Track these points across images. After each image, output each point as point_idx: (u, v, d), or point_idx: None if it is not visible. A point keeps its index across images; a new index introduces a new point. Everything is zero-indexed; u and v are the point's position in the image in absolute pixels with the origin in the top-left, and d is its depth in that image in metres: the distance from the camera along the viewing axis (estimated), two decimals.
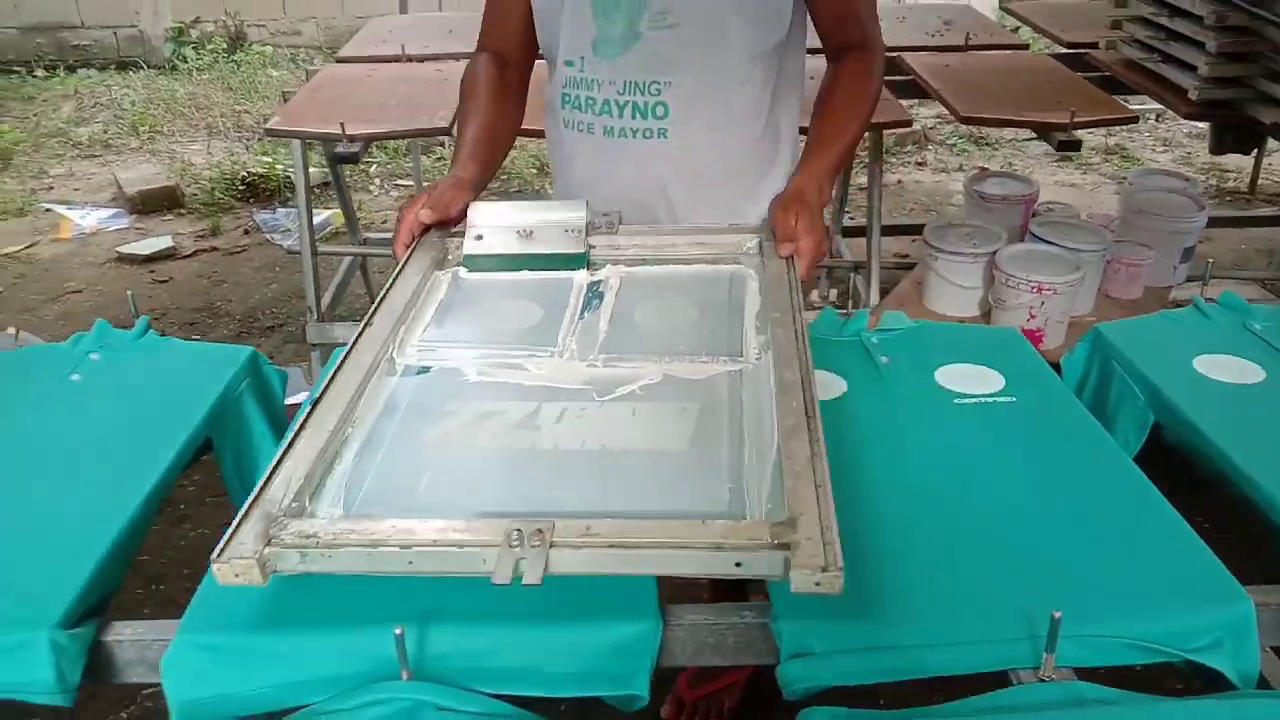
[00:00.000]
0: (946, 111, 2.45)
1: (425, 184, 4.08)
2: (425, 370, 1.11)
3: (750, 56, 1.37)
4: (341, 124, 2.13)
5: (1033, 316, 2.37)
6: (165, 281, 3.80)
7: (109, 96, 5.86)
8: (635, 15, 1.33)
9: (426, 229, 1.31)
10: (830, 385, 1.27)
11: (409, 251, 1.29)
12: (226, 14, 6.60)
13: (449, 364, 1.12)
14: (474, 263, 1.31)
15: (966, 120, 2.28)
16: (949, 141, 5.09)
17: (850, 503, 1.04)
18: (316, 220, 4.12)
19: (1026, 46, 2.94)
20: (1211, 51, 2.24)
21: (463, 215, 1.33)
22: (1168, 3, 2.38)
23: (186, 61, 6.36)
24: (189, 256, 4.00)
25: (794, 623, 0.89)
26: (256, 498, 0.84)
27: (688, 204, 1.46)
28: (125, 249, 4.00)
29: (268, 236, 4.12)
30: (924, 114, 5.11)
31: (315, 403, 0.97)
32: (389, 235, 3.61)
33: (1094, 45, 2.80)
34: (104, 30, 6.58)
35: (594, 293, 1.26)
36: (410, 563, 0.80)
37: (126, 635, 0.94)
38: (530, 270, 1.30)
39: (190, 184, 4.59)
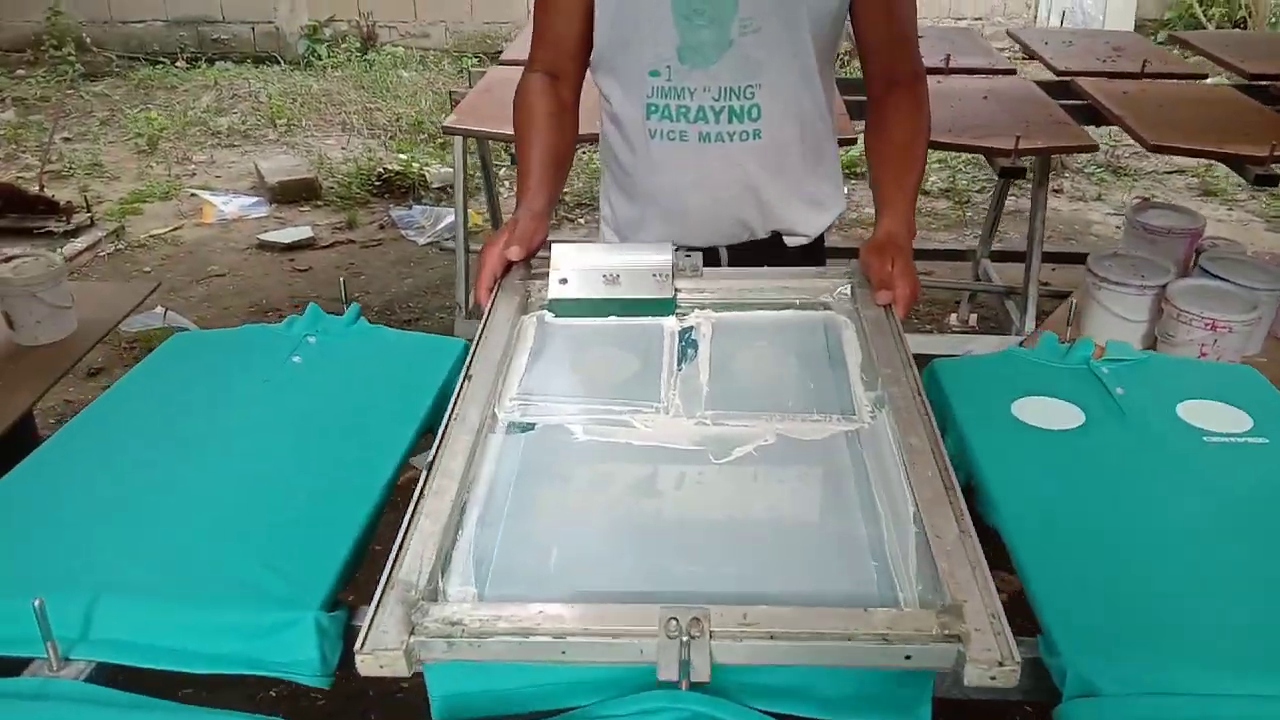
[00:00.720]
0: None
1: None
2: (530, 427, 1.08)
3: (818, 56, 1.40)
4: None
5: (1204, 354, 2.27)
6: (305, 270, 3.89)
7: (247, 89, 6.07)
8: (726, 22, 1.33)
9: (508, 267, 1.32)
10: (1066, 415, 1.22)
11: (493, 295, 1.29)
12: (360, 14, 6.78)
13: (553, 420, 1.10)
14: (560, 307, 1.29)
15: (1156, 149, 2.20)
16: (1085, 169, 4.95)
17: (1109, 538, 1.00)
18: (449, 218, 4.20)
19: (1205, 76, 2.83)
20: None
21: (543, 246, 1.35)
22: None
23: (320, 59, 6.55)
24: (327, 247, 4.09)
25: (1083, 660, 0.85)
26: (389, 578, 0.83)
27: (776, 199, 1.46)
28: (266, 236, 4.12)
29: (402, 232, 4.19)
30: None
31: (430, 468, 0.97)
32: None
33: (1278, 77, 2.68)
34: (243, 25, 6.81)
35: (687, 341, 1.24)
36: (563, 652, 0.79)
37: None
38: (617, 316, 1.29)
39: (327, 177, 4.70)
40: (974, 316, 3.59)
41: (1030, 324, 2.71)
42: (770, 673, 0.84)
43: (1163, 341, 2.32)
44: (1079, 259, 3.27)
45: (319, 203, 4.51)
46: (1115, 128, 2.47)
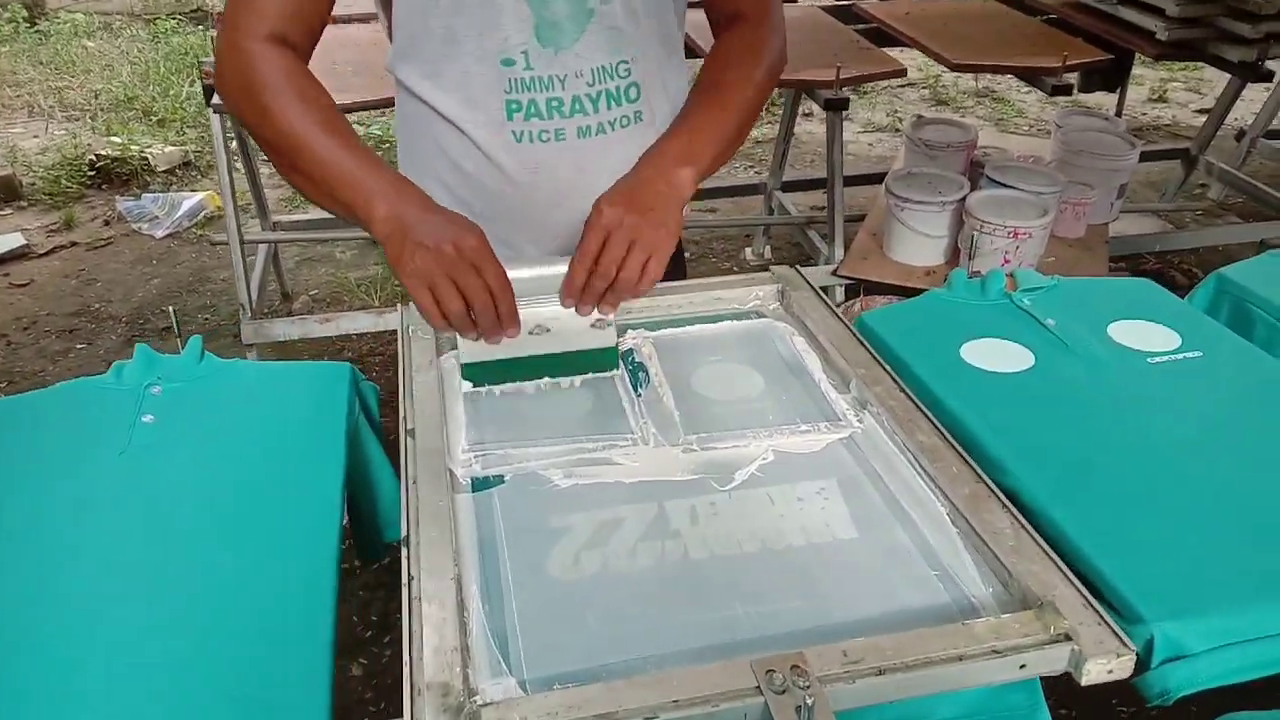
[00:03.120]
0: None
1: None
2: (499, 480, 0.94)
3: (676, 14, 1.21)
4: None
5: (1007, 261, 2.38)
6: (24, 285, 3.32)
7: None
8: None
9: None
10: (1016, 356, 1.19)
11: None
12: None
13: (522, 468, 0.95)
14: (477, 374, 1.06)
15: (959, 68, 2.25)
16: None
17: (1132, 484, 0.97)
18: (188, 204, 3.72)
19: None
20: None
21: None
22: None
23: None
24: (46, 255, 3.51)
25: (1170, 623, 0.81)
26: (414, 684, 0.70)
27: None
28: None
29: (134, 226, 3.67)
30: None
31: (406, 543, 0.82)
32: (297, 219, 3.35)
33: None
34: None
35: (633, 364, 1.13)
36: None
37: None
38: (551, 377, 1.08)
39: (26, 172, 4.04)
40: (768, 249, 3.65)
41: (839, 251, 2.75)
42: (881, 709, 0.75)
43: (966, 253, 2.42)
44: (867, 181, 3.39)
45: (22, 203, 3.86)
46: None
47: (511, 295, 0.99)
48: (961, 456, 0.94)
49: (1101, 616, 0.75)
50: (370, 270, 3.47)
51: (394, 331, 2.84)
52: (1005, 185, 2.49)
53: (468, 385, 1.06)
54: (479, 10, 1.07)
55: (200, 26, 5.88)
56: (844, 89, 2.23)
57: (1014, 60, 2.28)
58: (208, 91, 2.22)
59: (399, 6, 1.10)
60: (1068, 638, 0.73)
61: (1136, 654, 0.73)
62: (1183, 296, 1.36)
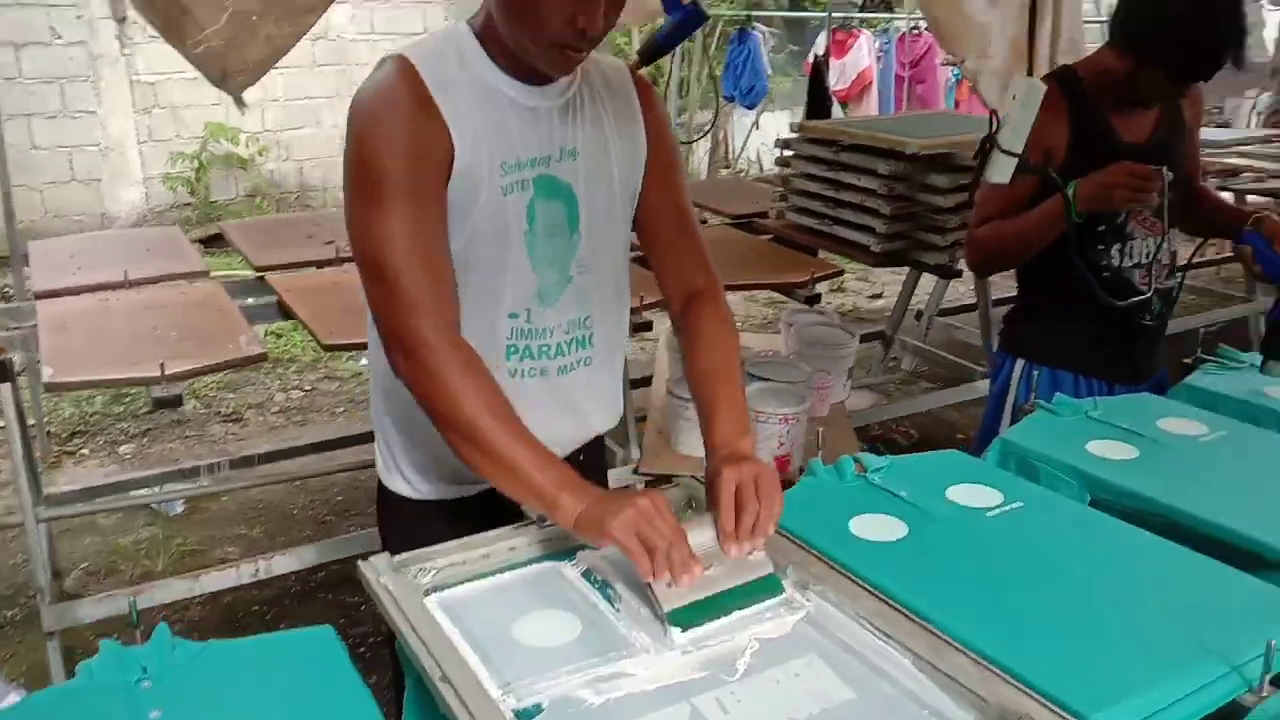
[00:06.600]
0: None
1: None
2: (539, 709, 1.05)
3: (625, 281, 1.56)
4: (161, 364, 1.87)
5: (781, 444, 2.74)
6: None
7: None
8: (567, 261, 1.44)
9: None
10: (891, 524, 1.45)
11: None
12: None
13: (555, 694, 1.07)
14: (681, 617, 1.17)
15: (730, 288, 2.62)
16: None
17: (1046, 614, 1.21)
18: None
19: (705, 221, 3.42)
20: (886, 214, 2.84)
21: None
22: (835, 180, 2.98)
23: None
24: None
25: (1103, 713, 1.05)
26: None
27: (594, 412, 1.58)
28: None
29: None
30: None
31: None
32: (70, 490, 3.10)
33: (763, 214, 3.36)
34: None
35: (595, 582, 1.27)
36: None
37: None
38: (739, 610, 1.21)
39: None
40: None
41: (635, 452, 3.00)
42: None
43: None
44: (635, 385, 3.70)
45: None
46: None
47: (688, 542, 1.19)
48: (904, 614, 1.16)
49: (1066, 716, 0.98)
50: (141, 534, 3.28)
51: (212, 593, 2.72)
52: (765, 379, 2.87)
53: (676, 630, 1.15)
54: (495, 274, 1.39)
55: None
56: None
57: (770, 278, 2.70)
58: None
59: (471, 275, 1.38)
60: None
61: None
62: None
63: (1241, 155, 4.59)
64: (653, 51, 2.41)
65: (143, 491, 3.04)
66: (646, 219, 1.52)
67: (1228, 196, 4.46)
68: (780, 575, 1.27)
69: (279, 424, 4.33)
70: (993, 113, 1.89)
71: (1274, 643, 1.09)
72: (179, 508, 3.39)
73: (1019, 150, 1.85)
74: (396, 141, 1.29)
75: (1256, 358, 2.09)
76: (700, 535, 1.24)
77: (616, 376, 1.62)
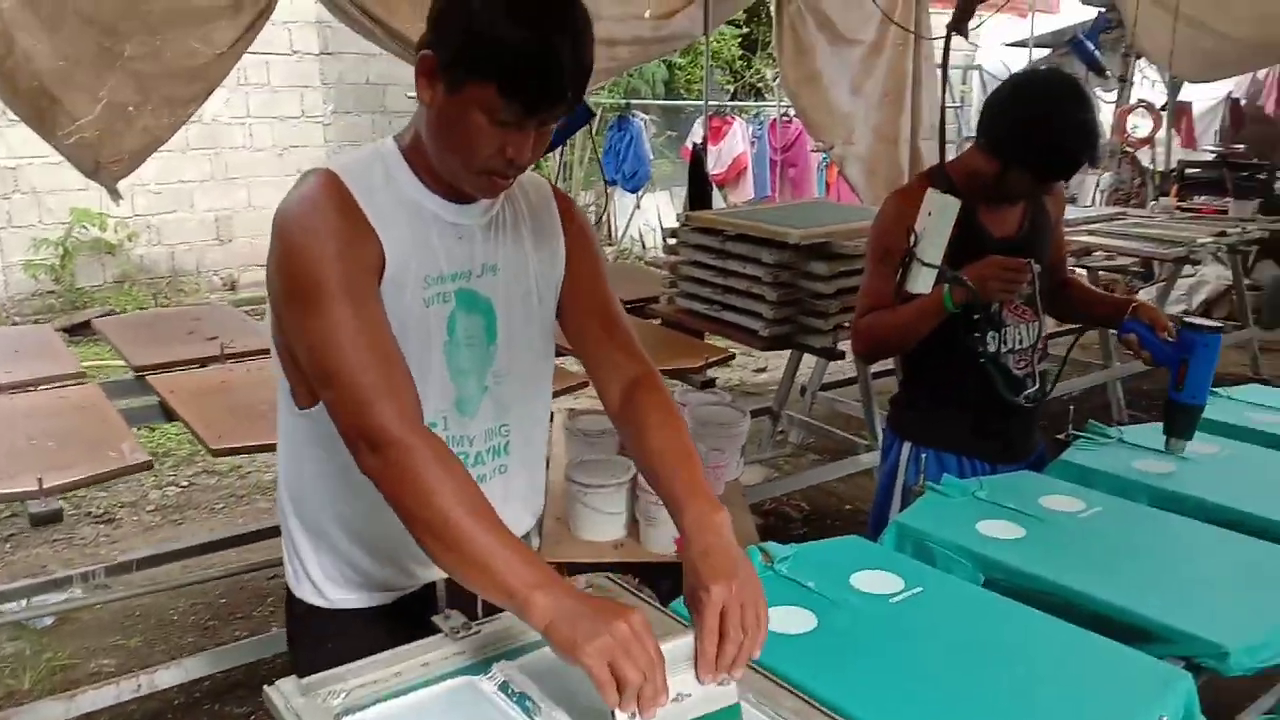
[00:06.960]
0: None
1: None
2: None
3: (546, 386, 1.59)
4: (39, 478, 1.78)
5: None
6: None
7: None
8: (484, 371, 1.46)
9: None
10: (801, 616, 1.49)
11: None
12: None
13: None
14: None
15: None
16: None
17: (948, 692, 1.28)
18: None
19: None
20: (772, 300, 2.95)
21: None
22: (723, 269, 3.09)
23: None
24: None
25: None
26: None
27: (509, 518, 1.52)
28: None
29: None
30: None
31: None
32: None
33: (654, 299, 3.43)
34: None
35: (514, 695, 1.24)
36: None
37: None
38: None
39: None
40: None
41: (535, 540, 2.97)
42: None
43: (646, 524, 2.77)
44: None
45: None
46: None
47: (664, 670, 1.11)
48: (822, 710, 1.19)
49: None
50: (5, 649, 3.07)
51: (87, 713, 2.54)
52: None
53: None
54: (417, 382, 1.31)
55: None
56: None
57: (667, 364, 2.76)
58: None
59: None
60: None
61: None
62: (800, 530, 1.76)
63: (1091, 234, 4.94)
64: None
65: (10, 606, 2.84)
66: (573, 325, 1.54)
67: (1081, 273, 4.80)
68: (739, 706, 1.20)
69: (155, 523, 4.12)
70: (909, 229, 1.99)
71: (1165, 718, 1.17)
72: (48, 620, 3.18)
73: (937, 262, 1.95)
74: (328, 245, 1.27)
75: (1122, 431, 2.25)
76: (676, 651, 1.17)
77: (535, 479, 1.61)
